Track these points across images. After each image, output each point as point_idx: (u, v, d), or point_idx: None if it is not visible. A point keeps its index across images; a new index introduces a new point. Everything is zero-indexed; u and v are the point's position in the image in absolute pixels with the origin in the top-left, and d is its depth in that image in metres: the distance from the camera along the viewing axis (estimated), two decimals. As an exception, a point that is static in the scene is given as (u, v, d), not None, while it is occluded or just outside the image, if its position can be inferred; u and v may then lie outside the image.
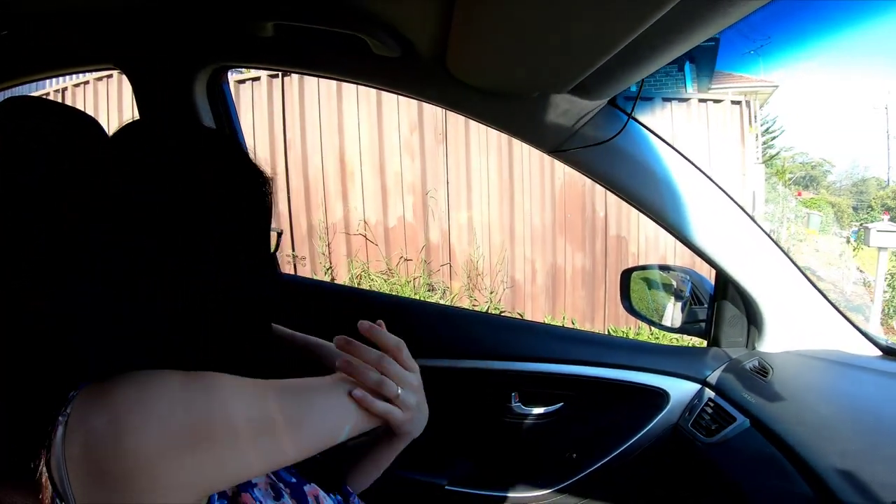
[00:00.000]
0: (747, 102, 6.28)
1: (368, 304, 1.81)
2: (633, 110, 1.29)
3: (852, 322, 1.47)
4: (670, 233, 1.43)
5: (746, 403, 1.28)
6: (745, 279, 1.44)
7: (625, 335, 5.86)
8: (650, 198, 1.38)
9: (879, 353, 1.44)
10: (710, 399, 1.42)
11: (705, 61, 12.72)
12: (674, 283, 1.74)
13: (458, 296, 6.36)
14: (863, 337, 1.46)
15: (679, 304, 1.68)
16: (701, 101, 6.21)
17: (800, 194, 18.05)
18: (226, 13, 1.25)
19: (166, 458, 0.58)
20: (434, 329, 1.69)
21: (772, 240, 1.44)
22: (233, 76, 6.84)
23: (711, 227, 1.40)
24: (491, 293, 6.26)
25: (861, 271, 9.89)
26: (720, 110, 6.12)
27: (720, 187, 1.40)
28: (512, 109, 1.30)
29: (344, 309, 1.72)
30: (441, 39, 1.05)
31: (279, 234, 0.88)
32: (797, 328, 1.47)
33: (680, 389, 1.52)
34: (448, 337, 1.67)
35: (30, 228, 0.71)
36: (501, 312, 6.23)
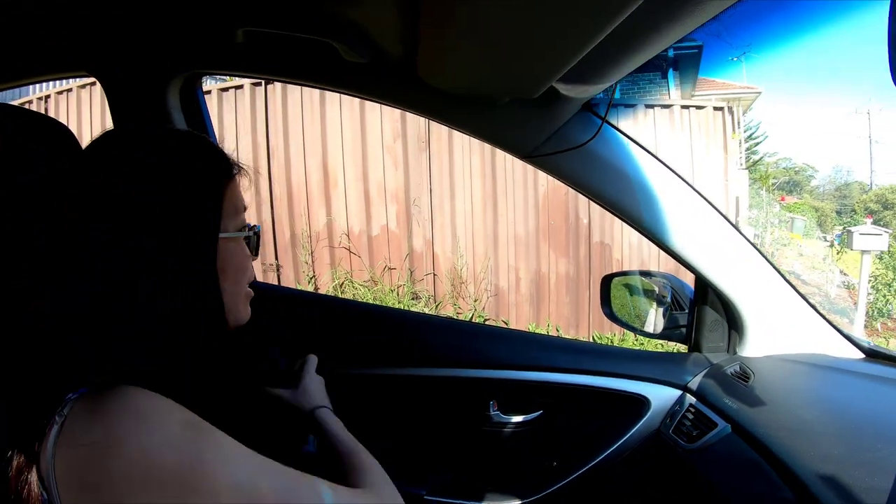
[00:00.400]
0: (729, 108, 6.32)
1: (346, 314, 1.79)
2: (606, 114, 1.29)
3: (834, 325, 1.47)
4: (647, 237, 1.43)
5: (727, 409, 1.27)
6: (723, 283, 1.43)
7: (609, 342, 5.86)
8: (626, 202, 1.38)
9: (862, 355, 1.44)
10: (691, 405, 1.41)
11: (688, 68, 12.82)
12: (654, 288, 1.74)
13: (442, 304, 6.34)
14: (845, 340, 1.46)
15: (660, 310, 1.68)
16: (683, 107, 6.23)
17: (783, 199, 18.26)
18: (198, 20, 1.24)
19: (149, 490, 0.57)
20: (411, 338, 1.67)
21: (751, 243, 1.43)
22: (216, 84, 6.85)
23: (689, 232, 1.39)
24: (475, 301, 6.24)
25: (845, 274, 10.00)
26: (703, 116, 6.15)
27: (697, 191, 1.40)
28: (485, 114, 1.30)
29: (322, 318, 1.71)
30: (410, 45, 1.05)
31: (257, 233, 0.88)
32: (778, 332, 1.47)
33: (661, 396, 1.52)
34: (425, 345, 1.65)
35: (30, 229, 0.71)
36: (486, 320, 6.22)
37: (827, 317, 1.48)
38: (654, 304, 1.71)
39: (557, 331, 6.14)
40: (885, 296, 7.99)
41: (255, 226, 0.86)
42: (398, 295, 6.40)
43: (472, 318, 6.18)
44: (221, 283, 0.77)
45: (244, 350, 0.96)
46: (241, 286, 0.83)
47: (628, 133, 1.38)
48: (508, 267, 6.23)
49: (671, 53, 12.11)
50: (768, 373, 1.38)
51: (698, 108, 6.23)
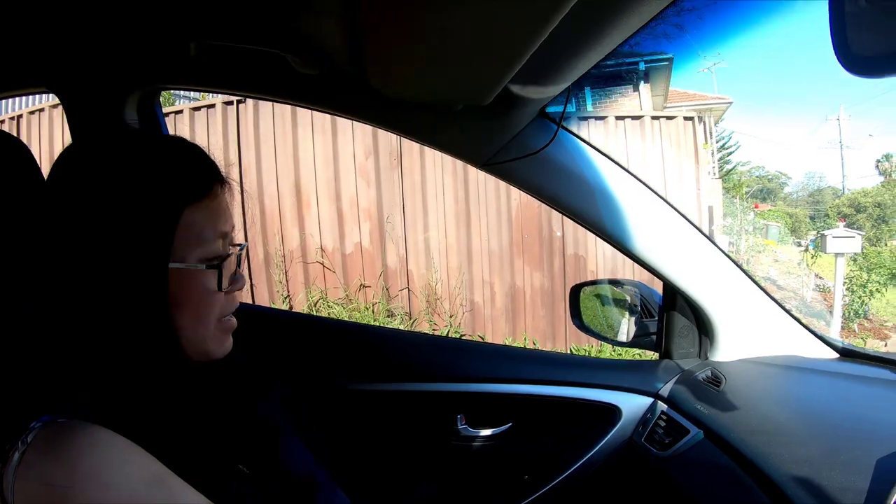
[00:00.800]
0: (700, 118, 6.37)
1: (312, 330, 1.76)
2: (561, 119, 1.27)
3: (807, 326, 1.47)
4: (610, 243, 1.42)
5: (699, 415, 1.27)
6: (691, 289, 1.42)
7: (587, 353, 5.84)
8: (586, 208, 1.37)
9: (836, 355, 1.44)
10: (662, 412, 1.41)
11: (659, 79, 12.97)
12: (624, 297, 1.73)
13: (417, 321, 6.29)
14: (818, 340, 1.45)
15: (630, 318, 1.67)
16: (654, 118, 6.28)
17: (757, 206, 18.51)
18: (152, 34, 1.21)
19: None
20: (375, 353, 1.64)
21: (717, 247, 1.43)
22: (188, 104, 6.81)
23: (653, 237, 1.38)
24: (450, 317, 6.21)
25: (820, 278, 10.13)
26: (673, 127, 6.19)
27: (660, 196, 1.39)
28: (439, 123, 1.28)
29: (285, 335, 1.67)
30: (359, 56, 1.02)
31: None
32: (750, 335, 1.46)
33: (632, 404, 1.51)
34: (387, 360, 1.62)
35: None
36: (462, 336, 6.18)
37: (799, 318, 1.48)
38: (625, 313, 1.70)
39: (534, 344, 6.12)
40: (860, 297, 8.09)
41: (229, 254, 0.79)
42: (373, 312, 6.34)
43: (448, 333, 6.14)
44: (178, 317, 0.73)
45: (239, 382, 0.93)
46: (205, 321, 0.77)
47: (586, 139, 1.37)
48: (483, 282, 6.22)
49: (642, 66, 12.27)
50: (740, 376, 1.37)
51: (669, 118, 6.28)
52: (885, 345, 7.62)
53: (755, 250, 12.37)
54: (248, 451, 1.01)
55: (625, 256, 1.42)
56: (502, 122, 1.24)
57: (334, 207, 6.37)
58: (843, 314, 7.87)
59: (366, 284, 6.38)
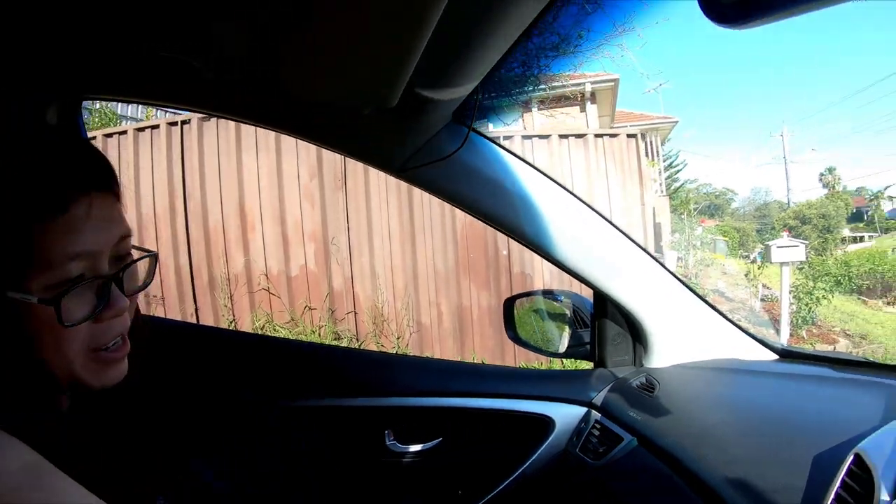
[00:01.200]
0: (642, 135, 6.48)
1: (227, 344, 1.69)
2: (472, 122, 1.23)
3: (745, 329, 1.46)
4: (532, 249, 1.39)
5: (632, 422, 1.25)
6: (620, 295, 1.41)
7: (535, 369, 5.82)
8: (504, 213, 1.34)
9: (776, 356, 1.43)
10: (596, 421, 1.39)
11: (605, 99, 13.30)
12: (558, 308, 1.71)
13: (364, 343, 6.21)
14: (757, 343, 1.45)
15: (564, 328, 1.65)
16: (597, 136, 6.35)
17: (703, 222, 19.04)
18: (63, 41, 1.11)
19: None
20: (297, 367, 1.58)
21: (647, 253, 1.41)
22: (132, 125, 6.69)
23: (577, 243, 1.36)
24: (398, 338, 6.14)
25: (768, 288, 10.36)
26: (617, 144, 6.26)
27: (583, 201, 1.37)
28: (351, 129, 1.23)
29: (203, 350, 1.58)
30: (265, 57, 0.96)
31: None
32: (685, 341, 1.45)
33: (566, 414, 1.48)
34: (311, 375, 1.56)
35: None
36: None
37: (737, 322, 1.47)
38: (559, 324, 1.68)
39: (483, 362, 6.07)
40: (807, 304, 8.25)
41: (89, 278, 0.69)
42: (320, 335, 6.25)
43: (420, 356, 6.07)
44: (38, 347, 0.66)
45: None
46: (65, 354, 0.68)
47: (503, 145, 1.34)
48: (430, 302, 6.18)
49: (588, 88, 12.55)
50: (674, 382, 1.36)
51: (612, 136, 6.36)
52: (834, 348, 7.77)
53: (704, 264, 12.71)
54: (156, 474, 0.94)
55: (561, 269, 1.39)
56: (414, 127, 1.19)
57: (279, 229, 6.29)
58: (792, 321, 8.05)
59: (311, 307, 6.28)
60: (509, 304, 1.68)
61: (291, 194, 6.24)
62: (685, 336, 1.45)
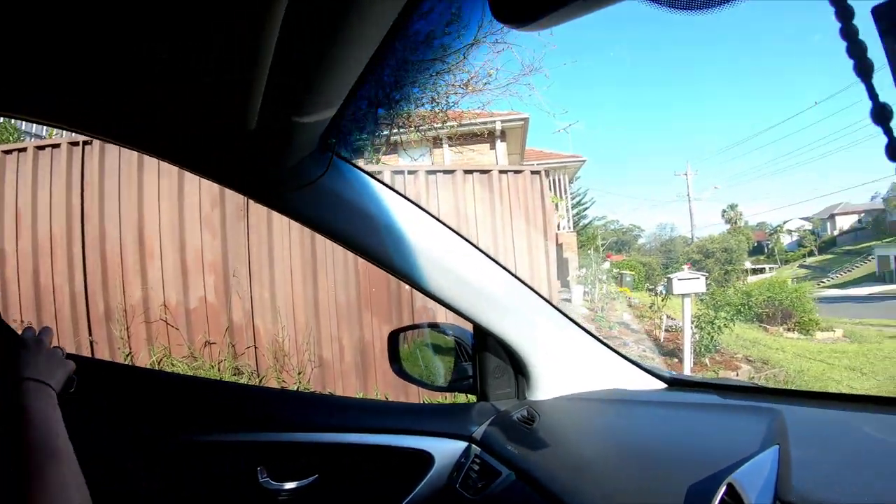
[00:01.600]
0: (546, 173, 6.64)
1: (96, 375, 1.56)
2: (335, 147, 1.20)
3: (633, 360, 1.48)
4: (405, 282, 1.36)
5: (511, 455, 1.24)
6: (498, 329, 1.40)
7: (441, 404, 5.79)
8: (372, 243, 1.31)
9: (664, 385, 1.45)
10: (476, 456, 1.37)
11: (514, 138, 13.65)
12: (444, 340, 1.68)
13: (265, 378, 6.02)
14: (645, 373, 1.46)
15: (449, 362, 1.63)
16: (502, 172, 6.45)
17: (610, 256, 19.63)
18: None
19: None
20: (165, 399, 1.51)
21: (526, 286, 1.41)
22: (31, 142, 6.53)
23: (451, 275, 1.34)
24: (299, 374, 5.98)
25: (672, 318, 10.72)
26: (522, 181, 6.39)
27: (459, 234, 1.36)
28: (216, 152, 1.16)
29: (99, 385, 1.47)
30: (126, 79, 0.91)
31: None
32: (569, 373, 1.45)
33: (446, 449, 1.46)
34: (181, 407, 1.49)
35: None
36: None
37: (623, 353, 1.49)
38: (444, 357, 1.67)
39: (387, 398, 6.00)
40: (709, 333, 8.58)
41: None
42: (219, 370, 6.01)
43: (297, 390, 5.91)
44: None
45: None
46: None
47: (374, 174, 1.32)
48: (331, 337, 6.06)
49: (499, 126, 12.88)
50: (555, 414, 1.36)
51: (516, 172, 6.47)
52: (737, 374, 8.08)
53: (610, 297, 13.08)
54: None
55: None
56: (279, 153, 1.14)
57: (179, 258, 6.06)
58: (696, 350, 8.35)
59: (211, 341, 6.05)
60: (394, 338, 1.66)
61: (192, 222, 6.03)
62: (569, 368, 1.45)
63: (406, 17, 0.75)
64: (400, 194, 1.33)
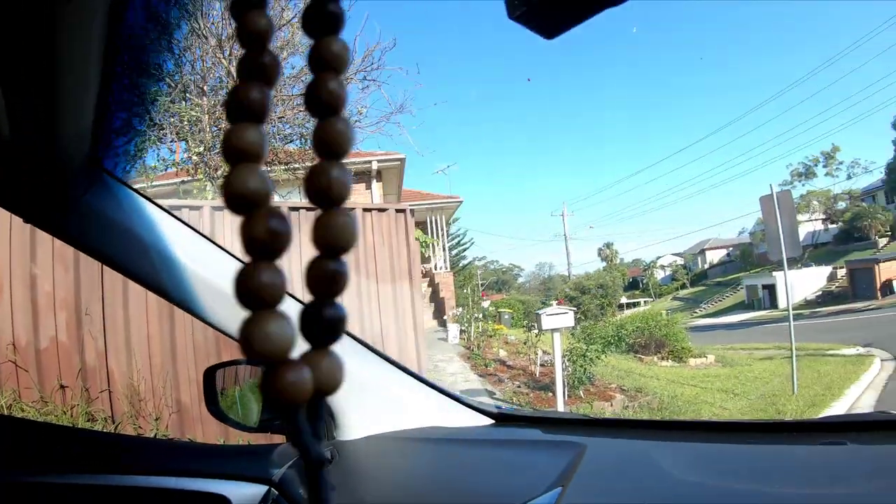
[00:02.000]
0: (412, 211, 6.73)
1: None
2: (100, 163, 1.12)
3: (456, 397, 1.47)
4: (180, 307, 1.31)
5: (304, 500, 1.17)
6: None
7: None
8: (143, 267, 1.23)
9: (491, 421, 1.44)
10: (273, 500, 1.30)
11: (391, 178, 13.80)
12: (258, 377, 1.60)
13: (121, 425, 5.66)
14: (471, 410, 1.45)
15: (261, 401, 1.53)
16: (366, 210, 6.50)
17: (484, 295, 20.07)
18: None
19: None
20: None
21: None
22: None
23: (230, 301, 1.27)
24: (156, 419, 5.68)
25: (547, 353, 10.99)
26: (387, 219, 6.46)
27: (238, 258, 1.30)
28: None
29: None
30: None
31: None
32: (381, 411, 1.41)
33: (244, 494, 1.35)
34: None
35: None
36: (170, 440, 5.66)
37: (447, 390, 1.48)
38: (259, 395, 1.54)
39: (248, 443, 5.79)
40: (581, 365, 8.91)
41: None
42: (72, 416, 5.60)
43: (155, 436, 5.60)
44: None
45: None
46: None
47: (149, 196, 1.25)
48: (189, 379, 5.77)
49: (375, 166, 13.03)
50: (359, 454, 1.32)
51: (381, 210, 6.56)
52: (611, 404, 8.41)
53: (486, 335, 13.37)
54: None
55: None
56: (45, 169, 1.01)
57: (27, 294, 5.62)
58: (570, 383, 8.61)
59: (64, 384, 5.63)
60: (210, 375, 1.55)
61: (44, 255, 5.63)
62: (381, 406, 1.42)
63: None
64: (174, 216, 1.28)
